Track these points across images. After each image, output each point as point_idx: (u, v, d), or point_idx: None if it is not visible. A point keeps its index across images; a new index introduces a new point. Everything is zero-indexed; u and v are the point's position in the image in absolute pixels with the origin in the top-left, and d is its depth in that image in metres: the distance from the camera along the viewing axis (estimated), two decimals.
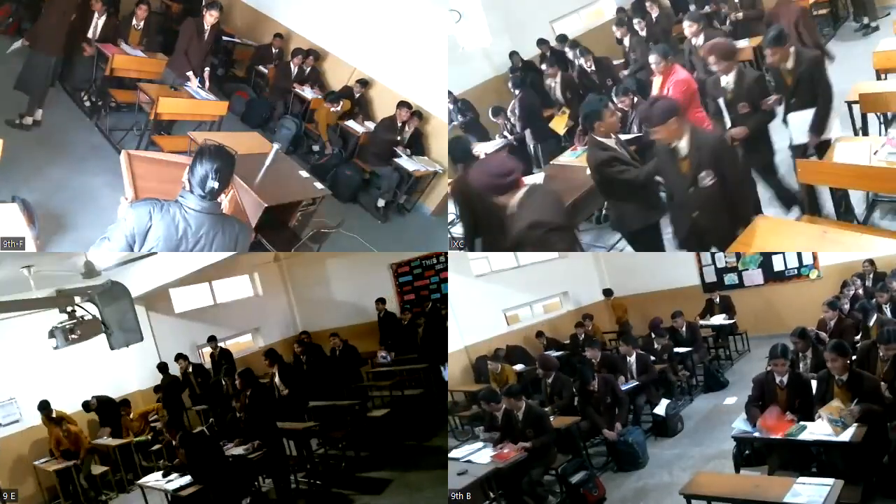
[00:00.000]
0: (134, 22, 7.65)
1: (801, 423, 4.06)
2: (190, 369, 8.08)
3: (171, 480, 5.09)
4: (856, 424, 3.83)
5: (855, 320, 5.93)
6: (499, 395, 5.25)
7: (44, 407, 6.78)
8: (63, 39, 6.53)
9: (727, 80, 5.13)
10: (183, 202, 3.10)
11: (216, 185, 3.08)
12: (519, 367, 7.85)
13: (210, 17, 7.00)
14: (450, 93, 8.34)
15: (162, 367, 8.10)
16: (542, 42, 9.40)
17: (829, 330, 5.80)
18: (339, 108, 8.20)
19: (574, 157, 6.48)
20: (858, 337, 5.60)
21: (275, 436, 5.67)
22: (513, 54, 9.42)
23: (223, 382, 7.31)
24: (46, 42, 6.37)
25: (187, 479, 4.96)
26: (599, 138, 4.70)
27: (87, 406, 7.30)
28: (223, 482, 4.95)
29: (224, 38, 9.54)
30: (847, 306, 6.48)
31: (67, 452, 6.72)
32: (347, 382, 7.55)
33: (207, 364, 8.61)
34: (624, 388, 6.05)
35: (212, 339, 8.70)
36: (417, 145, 8.16)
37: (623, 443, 5.36)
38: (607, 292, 9.93)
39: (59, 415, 6.84)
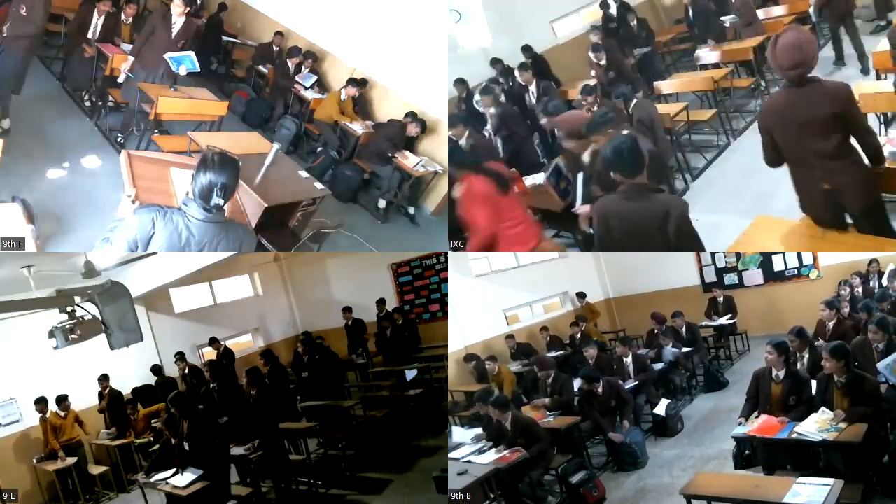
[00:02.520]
0: (123, 17, 7.65)
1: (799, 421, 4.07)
2: (187, 371, 8.08)
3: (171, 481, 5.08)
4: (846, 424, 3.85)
5: (855, 321, 5.91)
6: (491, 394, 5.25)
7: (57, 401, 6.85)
8: (33, 42, 6.16)
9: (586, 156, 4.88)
10: (186, 210, 3.06)
11: (221, 202, 3.05)
12: (516, 366, 7.88)
13: (176, 8, 6.65)
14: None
15: (156, 370, 8.11)
16: (495, 62, 9.00)
17: (829, 331, 5.74)
18: (356, 93, 8.17)
19: None
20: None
21: (275, 437, 5.67)
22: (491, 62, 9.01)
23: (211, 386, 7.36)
24: (16, 44, 5.99)
25: (188, 478, 4.94)
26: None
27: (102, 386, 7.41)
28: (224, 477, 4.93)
29: (225, 37, 9.56)
30: (847, 307, 6.47)
31: (67, 447, 6.77)
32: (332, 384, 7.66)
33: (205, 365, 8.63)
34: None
35: (213, 341, 8.71)
36: (416, 145, 8.16)
37: (622, 443, 5.36)
38: (581, 295, 9.49)
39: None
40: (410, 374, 7.79)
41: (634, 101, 6.39)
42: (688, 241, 3.41)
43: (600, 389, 5.64)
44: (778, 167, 3.81)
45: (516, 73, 8.40)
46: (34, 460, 6.87)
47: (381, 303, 8.49)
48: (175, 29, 6.71)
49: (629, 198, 3.44)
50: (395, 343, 8.27)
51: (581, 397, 5.78)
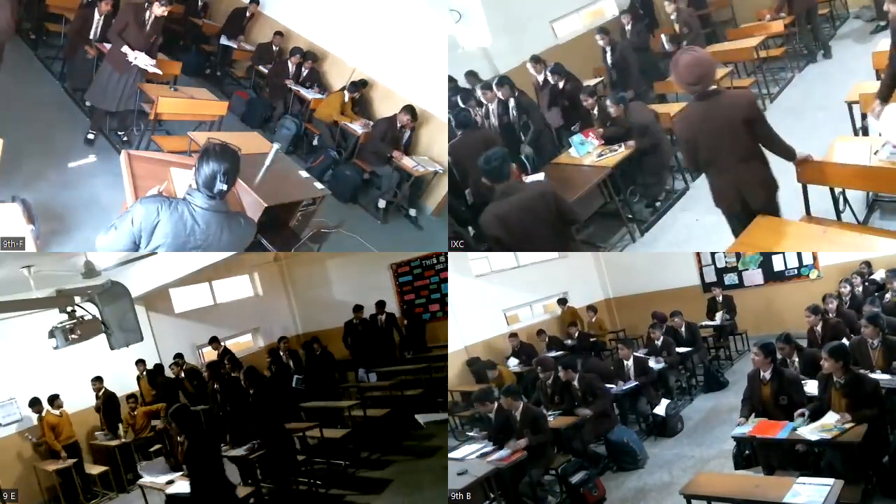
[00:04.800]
0: None
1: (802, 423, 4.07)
2: (182, 375, 8.08)
3: (172, 482, 5.09)
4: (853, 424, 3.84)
5: (847, 318, 5.91)
6: (491, 395, 5.25)
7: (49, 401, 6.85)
8: None
9: None
10: (190, 200, 3.15)
11: (224, 187, 3.13)
12: (513, 362, 7.89)
13: (158, 9, 6.40)
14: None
15: (158, 369, 8.11)
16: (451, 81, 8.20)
17: (819, 335, 5.69)
18: (356, 95, 8.20)
19: (583, 153, 6.47)
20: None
21: (280, 435, 5.66)
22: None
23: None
24: None
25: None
26: None
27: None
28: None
29: (224, 42, 9.55)
30: (847, 304, 6.48)
31: (68, 447, 6.78)
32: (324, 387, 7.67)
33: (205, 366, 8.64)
34: (623, 389, 6.06)
35: (214, 340, 8.72)
36: (416, 145, 8.16)
37: (618, 442, 5.37)
38: (562, 301, 9.42)
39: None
40: (372, 378, 7.96)
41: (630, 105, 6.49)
42: (568, 212, 4.21)
43: (576, 382, 5.62)
44: (696, 172, 4.29)
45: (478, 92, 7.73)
46: (27, 436, 6.90)
47: (380, 304, 8.56)
48: (147, 27, 6.51)
49: (508, 194, 4.07)
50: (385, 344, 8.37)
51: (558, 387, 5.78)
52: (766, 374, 4.45)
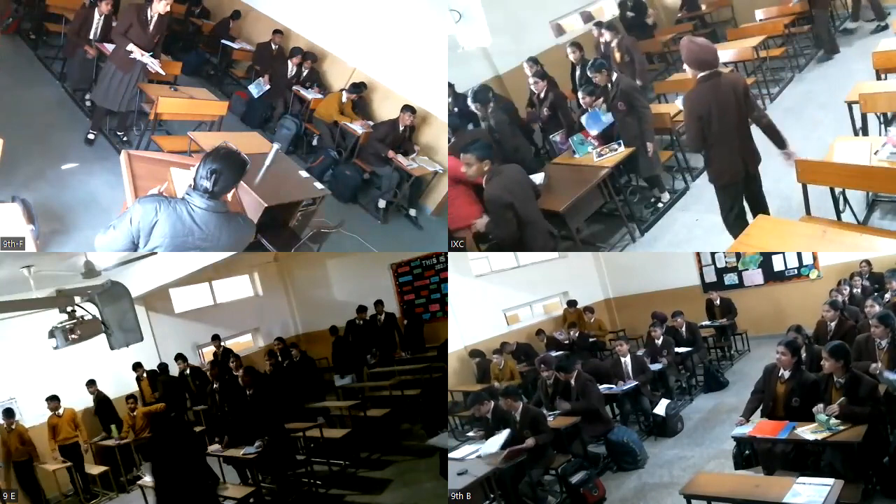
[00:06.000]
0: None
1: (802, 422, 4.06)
2: (188, 371, 8.09)
3: None
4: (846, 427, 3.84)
5: (855, 319, 5.92)
6: (483, 397, 5.23)
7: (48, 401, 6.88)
8: None
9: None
10: (189, 200, 3.15)
11: (208, 184, 3.13)
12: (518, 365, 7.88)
13: (160, 5, 6.30)
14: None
15: (162, 368, 8.12)
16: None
17: (830, 332, 5.73)
18: (354, 97, 8.24)
19: (583, 153, 6.47)
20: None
21: (278, 435, 5.66)
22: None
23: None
24: None
25: None
26: None
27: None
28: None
29: (224, 42, 9.56)
30: (846, 301, 6.49)
31: (64, 448, 6.81)
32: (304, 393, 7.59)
33: (207, 364, 8.64)
34: (623, 389, 6.06)
35: (215, 338, 8.72)
36: (416, 145, 8.16)
37: (618, 442, 5.36)
38: (571, 303, 9.40)
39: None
40: (341, 381, 8.01)
41: (616, 75, 6.49)
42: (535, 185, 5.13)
43: (573, 382, 5.61)
44: (700, 151, 4.87)
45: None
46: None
47: (378, 303, 8.55)
48: (151, 26, 6.48)
49: (498, 172, 4.78)
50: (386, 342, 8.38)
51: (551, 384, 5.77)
52: (786, 373, 4.39)
